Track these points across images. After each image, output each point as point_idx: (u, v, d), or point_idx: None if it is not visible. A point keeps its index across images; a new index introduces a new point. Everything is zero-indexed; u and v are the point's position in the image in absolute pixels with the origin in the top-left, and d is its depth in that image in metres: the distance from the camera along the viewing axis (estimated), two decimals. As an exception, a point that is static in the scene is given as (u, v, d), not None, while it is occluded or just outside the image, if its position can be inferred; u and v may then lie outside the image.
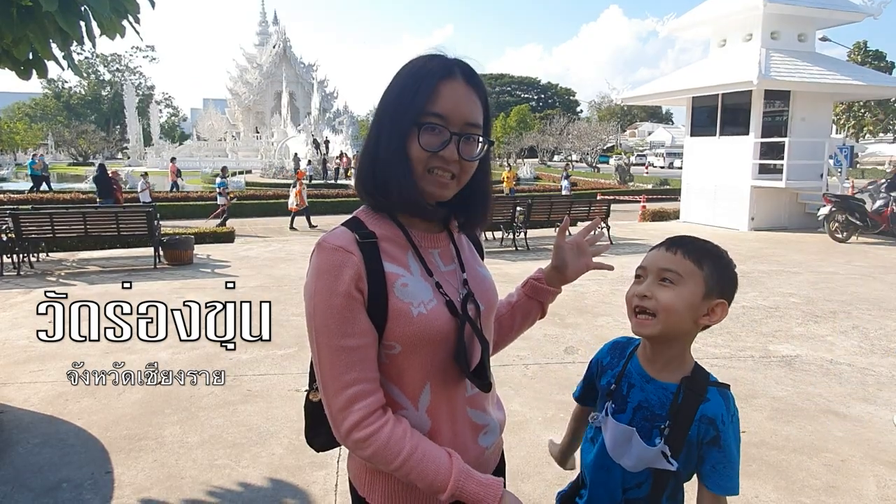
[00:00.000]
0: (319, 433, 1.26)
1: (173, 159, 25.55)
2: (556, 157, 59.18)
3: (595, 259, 1.40)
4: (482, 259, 1.34)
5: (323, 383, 1.07)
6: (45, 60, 3.35)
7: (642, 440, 1.25)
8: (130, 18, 3.29)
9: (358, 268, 1.06)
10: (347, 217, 1.17)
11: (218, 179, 16.40)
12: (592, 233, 1.41)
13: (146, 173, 16.60)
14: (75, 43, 3.21)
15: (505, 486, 1.10)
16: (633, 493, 1.29)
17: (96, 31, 3.15)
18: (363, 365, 1.06)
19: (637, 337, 1.38)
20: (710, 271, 1.24)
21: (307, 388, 1.29)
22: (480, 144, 1.14)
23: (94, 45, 3.27)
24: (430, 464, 1.05)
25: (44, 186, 23.84)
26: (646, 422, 1.25)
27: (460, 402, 1.18)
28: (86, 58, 68.39)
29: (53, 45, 3.22)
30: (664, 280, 1.24)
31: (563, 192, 21.01)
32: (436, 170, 1.10)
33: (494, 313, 1.31)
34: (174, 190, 22.79)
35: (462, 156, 1.10)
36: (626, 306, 1.30)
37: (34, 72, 3.43)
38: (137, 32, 3.38)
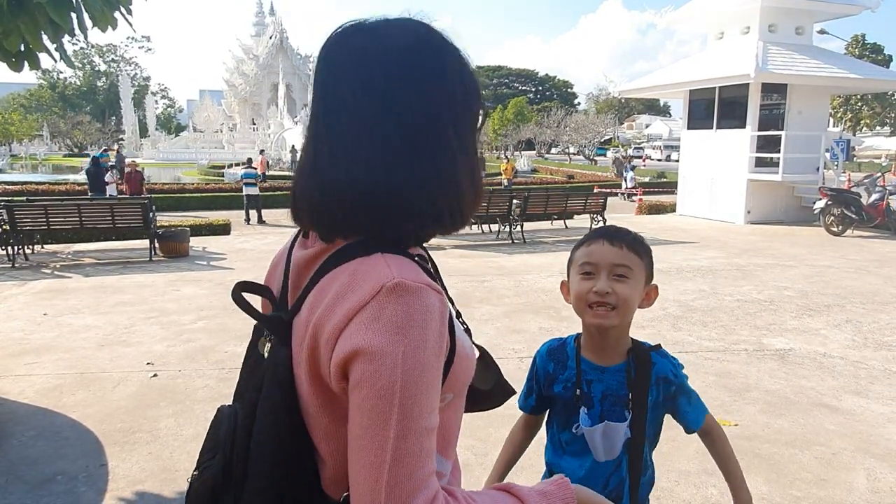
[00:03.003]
0: None
1: (262, 151, 25.33)
2: (553, 150, 59.08)
3: None
4: None
5: (390, 483, 0.69)
6: (37, 52, 3.32)
7: (616, 422, 1.34)
8: (123, 10, 3.26)
9: (448, 310, 0.78)
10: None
11: (242, 170, 16.27)
12: None
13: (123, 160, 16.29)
14: (67, 34, 3.18)
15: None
16: (615, 476, 1.36)
17: (88, 22, 3.12)
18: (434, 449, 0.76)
19: (562, 337, 1.50)
20: (647, 261, 1.36)
21: (195, 471, 0.91)
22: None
23: (85, 37, 3.23)
24: None
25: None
26: (615, 406, 1.35)
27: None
28: (80, 48, 67.92)
29: (45, 37, 3.19)
30: (618, 275, 1.32)
31: (628, 185, 20.90)
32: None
33: None
34: (263, 181, 22.62)
35: None
36: (577, 302, 1.36)
37: (26, 64, 3.40)
38: (130, 24, 3.35)
